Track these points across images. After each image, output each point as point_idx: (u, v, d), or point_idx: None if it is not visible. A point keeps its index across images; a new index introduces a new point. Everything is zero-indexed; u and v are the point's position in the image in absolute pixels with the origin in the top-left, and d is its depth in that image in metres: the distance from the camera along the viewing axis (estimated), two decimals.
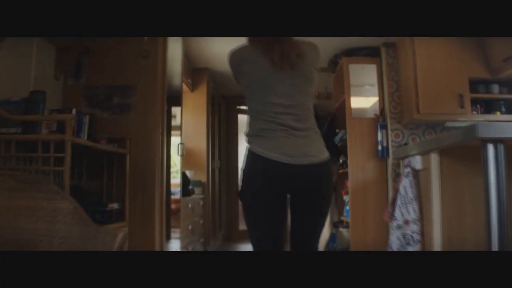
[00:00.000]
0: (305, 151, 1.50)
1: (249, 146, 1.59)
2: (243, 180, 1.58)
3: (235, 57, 1.64)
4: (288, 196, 1.58)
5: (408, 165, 2.05)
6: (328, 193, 1.59)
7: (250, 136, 1.60)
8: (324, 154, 1.57)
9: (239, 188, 1.60)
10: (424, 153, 1.89)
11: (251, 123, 1.61)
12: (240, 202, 1.63)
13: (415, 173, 2.03)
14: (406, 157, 2.14)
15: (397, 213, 2.07)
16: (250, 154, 1.56)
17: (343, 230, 4.50)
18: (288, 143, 1.50)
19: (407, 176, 2.05)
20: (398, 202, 2.09)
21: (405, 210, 2.02)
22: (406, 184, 2.04)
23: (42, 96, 2.28)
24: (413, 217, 1.97)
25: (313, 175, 1.52)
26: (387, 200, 3.95)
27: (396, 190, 2.12)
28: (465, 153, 1.75)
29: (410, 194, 2.00)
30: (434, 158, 1.80)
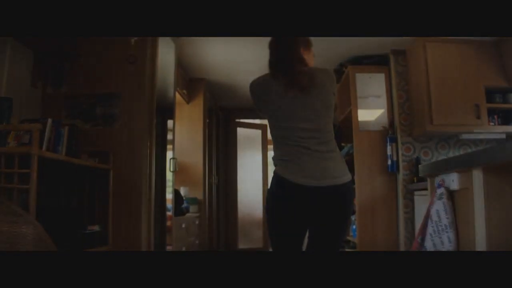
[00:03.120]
0: (330, 172, 1.56)
1: (275, 169, 1.64)
2: (269, 200, 1.65)
3: (257, 86, 1.70)
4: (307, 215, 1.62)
5: (442, 185, 1.73)
6: (350, 214, 1.65)
7: (276, 159, 1.66)
8: (348, 175, 1.62)
9: (266, 205, 1.68)
10: (463, 170, 1.58)
11: (276, 147, 1.67)
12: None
13: (449, 194, 1.71)
14: (436, 175, 1.84)
15: (428, 243, 1.75)
16: (276, 177, 1.62)
17: (349, 251, 4.19)
18: (313, 166, 1.56)
19: (440, 198, 1.73)
20: (430, 229, 1.76)
21: (438, 240, 1.70)
22: (439, 207, 1.72)
23: (8, 104, 2.01)
24: (448, 248, 1.65)
25: (338, 196, 1.57)
26: (397, 219, 3.69)
27: (426, 216, 1.81)
28: (509, 170, 1.45)
29: (445, 220, 1.68)
30: (477, 176, 1.48)
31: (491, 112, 3.52)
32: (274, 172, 1.64)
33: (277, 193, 1.61)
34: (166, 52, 3.25)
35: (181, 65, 4.07)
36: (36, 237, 1.73)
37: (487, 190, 1.43)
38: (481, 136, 3.58)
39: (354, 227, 3.97)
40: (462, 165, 1.59)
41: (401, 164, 3.66)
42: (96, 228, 2.53)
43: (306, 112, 1.60)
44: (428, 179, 2.04)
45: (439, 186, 1.77)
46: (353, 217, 4.05)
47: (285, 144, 1.62)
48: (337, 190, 1.56)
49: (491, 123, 3.53)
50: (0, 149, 1.87)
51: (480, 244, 1.43)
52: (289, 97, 1.60)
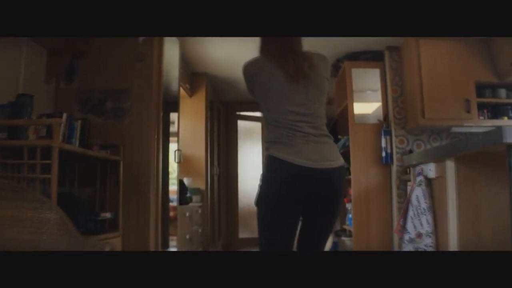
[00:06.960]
0: (324, 155, 1.57)
1: (268, 152, 1.62)
2: (263, 186, 1.60)
3: (250, 69, 1.70)
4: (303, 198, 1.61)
5: (421, 173, 1.92)
6: (342, 198, 1.67)
7: (269, 142, 1.64)
8: (341, 159, 1.63)
9: (257, 195, 1.62)
10: (438, 160, 1.76)
11: (270, 131, 1.66)
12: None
13: (428, 181, 1.91)
14: (417, 164, 2.02)
15: (409, 226, 1.94)
16: (271, 159, 1.59)
17: (345, 239, 4.38)
18: (308, 148, 1.56)
19: (419, 185, 1.92)
20: (410, 213, 1.96)
21: (418, 222, 1.89)
22: (418, 193, 1.92)
23: (30, 100, 2.17)
24: (426, 230, 1.84)
25: (333, 179, 1.58)
26: (391, 209, 3.84)
27: (407, 201, 2.00)
28: (481, 160, 1.62)
29: (423, 204, 1.87)
30: (449, 165, 1.67)
31: (481, 107, 3.64)
32: (268, 156, 1.61)
33: (272, 176, 1.58)
34: (170, 49, 3.39)
35: (184, 60, 4.20)
36: (59, 221, 1.89)
37: (458, 178, 1.61)
38: (471, 130, 3.73)
39: (350, 216, 4.14)
40: (438, 156, 1.76)
41: (395, 156, 3.81)
42: (108, 215, 2.69)
43: (299, 96, 1.60)
44: (411, 169, 2.22)
45: (419, 174, 1.95)
46: (348, 206, 4.22)
47: (277, 127, 1.61)
48: (332, 173, 1.57)
49: (481, 117, 3.66)
50: (24, 142, 2.04)
51: (453, 225, 1.61)
52: (282, 80, 1.59)
